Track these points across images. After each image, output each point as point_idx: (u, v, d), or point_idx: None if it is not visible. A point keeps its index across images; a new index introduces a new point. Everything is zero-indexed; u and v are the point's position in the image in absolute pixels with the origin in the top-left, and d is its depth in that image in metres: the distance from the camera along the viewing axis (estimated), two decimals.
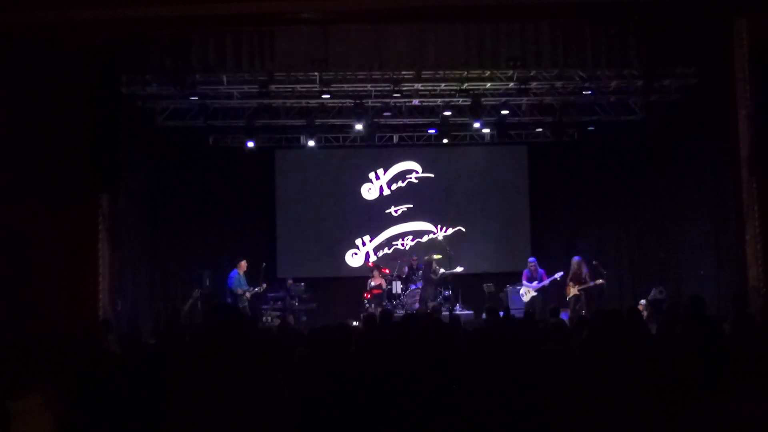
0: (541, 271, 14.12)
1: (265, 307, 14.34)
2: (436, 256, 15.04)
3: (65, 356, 5.96)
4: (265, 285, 14.09)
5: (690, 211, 14.09)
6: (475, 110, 13.85)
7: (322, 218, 16.14)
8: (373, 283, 14.61)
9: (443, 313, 11.84)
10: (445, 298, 14.61)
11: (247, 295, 13.80)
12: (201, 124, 14.55)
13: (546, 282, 14.00)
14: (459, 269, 14.67)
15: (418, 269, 15.01)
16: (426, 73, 12.99)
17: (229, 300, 13.54)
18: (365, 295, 14.53)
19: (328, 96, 13.58)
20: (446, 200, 16.36)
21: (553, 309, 10.00)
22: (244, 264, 14.08)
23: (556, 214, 16.35)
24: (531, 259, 14.53)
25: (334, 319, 10.15)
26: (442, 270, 14.58)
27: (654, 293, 13.57)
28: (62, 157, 10.97)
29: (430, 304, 13.95)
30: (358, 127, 14.37)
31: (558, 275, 13.87)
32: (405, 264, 15.33)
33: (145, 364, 5.28)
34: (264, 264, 14.72)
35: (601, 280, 13.44)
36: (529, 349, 5.94)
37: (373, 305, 14.15)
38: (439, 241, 16.03)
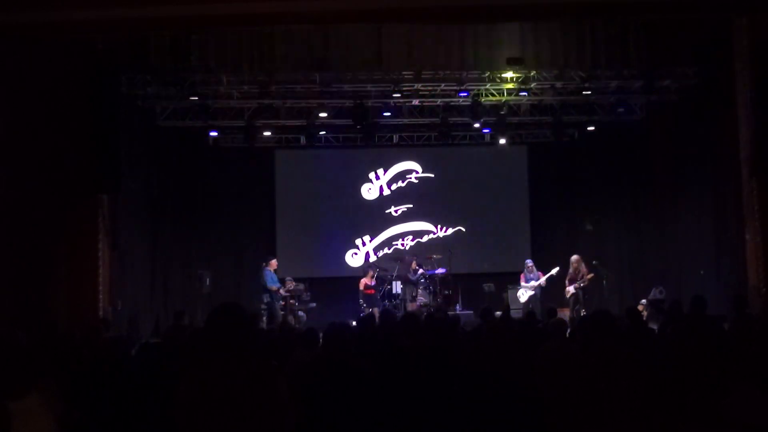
0: (537, 272, 14.15)
1: (265, 307, 14.32)
2: (436, 256, 15.08)
3: (66, 356, 5.97)
4: (298, 284, 14.23)
5: (690, 211, 14.09)
6: (475, 110, 13.86)
7: (322, 218, 16.14)
8: (366, 284, 14.59)
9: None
10: (446, 298, 14.61)
11: (282, 291, 13.97)
12: (201, 124, 14.55)
13: (542, 279, 14.00)
14: (440, 271, 14.69)
15: (415, 272, 14.99)
16: (426, 73, 12.99)
17: (266, 299, 13.82)
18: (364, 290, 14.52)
19: (328, 96, 13.57)
20: (446, 200, 16.35)
21: (550, 309, 9.98)
22: (274, 262, 14.27)
23: (556, 214, 16.34)
24: (527, 260, 14.54)
25: (335, 319, 10.13)
26: (421, 270, 14.59)
27: (654, 293, 13.57)
28: (62, 157, 10.98)
29: (410, 305, 13.96)
30: (358, 126, 14.37)
31: (554, 270, 13.87)
32: (404, 265, 15.30)
33: (145, 363, 5.27)
34: (264, 264, 14.73)
35: (591, 275, 13.44)
36: (528, 349, 5.94)
37: (366, 305, 14.17)
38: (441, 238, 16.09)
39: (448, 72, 12.92)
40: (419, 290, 14.53)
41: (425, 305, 14.02)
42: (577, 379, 4.27)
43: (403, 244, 16.28)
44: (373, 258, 16.05)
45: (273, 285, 13.92)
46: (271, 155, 16.10)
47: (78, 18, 9.68)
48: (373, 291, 14.54)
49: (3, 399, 3.72)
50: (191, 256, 15.45)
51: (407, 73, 12.96)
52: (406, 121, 15.26)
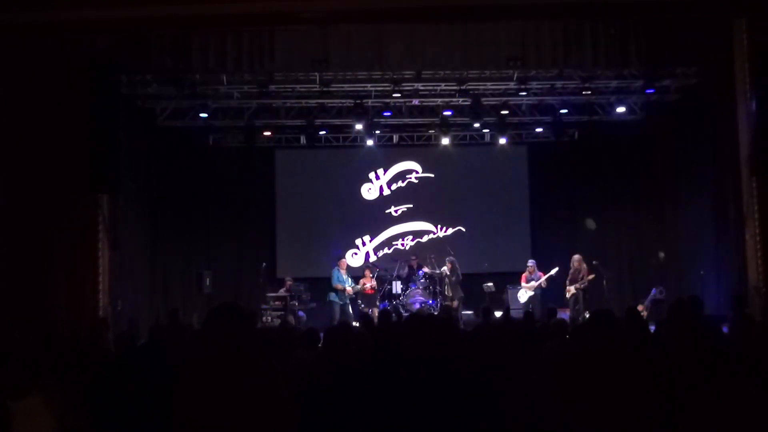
0: (539, 273, 14.14)
1: (264, 307, 14.32)
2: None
3: (66, 356, 5.97)
4: (374, 282, 14.26)
5: (690, 211, 14.10)
6: (475, 110, 13.86)
7: (322, 218, 16.13)
8: (365, 284, 14.59)
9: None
10: (446, 298, 14.60)
11: (349, 290, 14.01)
12: (201, 124, 14.55)
13: (542, 279, 13.99)
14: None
15: (418, 269, 14.99)
16: (426, 73, 12.99)
17: (337, 298, 13.94)
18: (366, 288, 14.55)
19: (328, 96, 13.58)
20: (446, 200, 16.34)
21: (551, 310, 9.98)
22: (344, 262, 14.38)
23: (556, 214, 16.34)
24: (530, 261, 14.54)
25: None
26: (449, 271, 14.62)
27: (654, 293, 13.58)
28: (62, 157, 10.98)
29: (448, 303, 13.93)
30: (358, 126, 14.39)
31: (554, 271, 13.86)
32: (405, 264, 15.31)
33: (144, 363, 5.27)
34: (264, 264, 14.73)
35: (592, 275, 13.43)
36: (528, 349, 5.94)
37: (365, 306, 14.16)
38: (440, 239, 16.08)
39: (448, 72, 12.93)
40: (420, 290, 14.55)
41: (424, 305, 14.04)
42: (578, 380, 4.27)
43: (403, 244, 16.28)
44: (373, 258, 16.05)
45: (337, 283, 14.03)
46: (271, 155, 16.10)
47: (78, 18, 9.69)
48: (372, 291, 14.53)
49: (3, 399, 3.72)
50: (191, 256, 15.45)
51: (407, 73, 12.96)
52: (406, 120, 15.26)
